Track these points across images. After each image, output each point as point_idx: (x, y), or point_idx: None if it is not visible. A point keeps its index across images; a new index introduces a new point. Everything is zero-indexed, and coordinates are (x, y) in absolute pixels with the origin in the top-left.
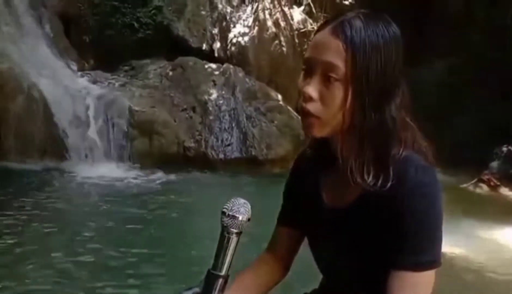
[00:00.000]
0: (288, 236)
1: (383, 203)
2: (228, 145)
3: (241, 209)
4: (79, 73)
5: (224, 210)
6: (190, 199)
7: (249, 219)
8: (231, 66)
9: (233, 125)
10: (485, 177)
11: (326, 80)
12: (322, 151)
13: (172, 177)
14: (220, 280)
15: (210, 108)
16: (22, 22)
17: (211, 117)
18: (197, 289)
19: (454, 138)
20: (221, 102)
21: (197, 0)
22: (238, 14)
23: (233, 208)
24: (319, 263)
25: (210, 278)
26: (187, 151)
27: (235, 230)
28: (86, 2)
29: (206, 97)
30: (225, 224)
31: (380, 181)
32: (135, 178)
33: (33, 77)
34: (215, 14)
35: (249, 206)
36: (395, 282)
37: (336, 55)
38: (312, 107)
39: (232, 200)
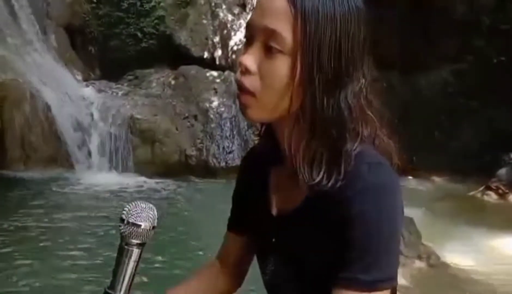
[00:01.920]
0: (236, 244)
1: (330, 207)
2: (230, 152)
3: (143, 214)
4: (84, 83)
5: (123, 216)
6: (192, 207)
7: (154, 227)
8: (232, 74)
9: (234, 132)
10: (493, 185)
11: (268, 50)
12: (271, 146)
13: (174, 185)
14: None
15: (212, 116)
16: (27, 33)
17: (212, 125)
18: None
19: (461, 144)
20: (222, 109)
21: (198, 9)
22: (239, 22)
23: (132, 214)
24: (264, 279)
25: None
26: (188, 159)
27: (136, 241)
28: (91, 13)
29: (207, 105)
30: (124, 234)
31: (331, 180)
32: (137, 186)
33: (37, 87)
34: (216, 23)
35: (155, 211)
36: None
37: (281, 21)
38: (248, 81)
39: (133, 203)
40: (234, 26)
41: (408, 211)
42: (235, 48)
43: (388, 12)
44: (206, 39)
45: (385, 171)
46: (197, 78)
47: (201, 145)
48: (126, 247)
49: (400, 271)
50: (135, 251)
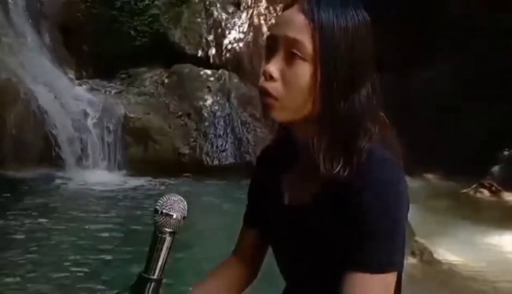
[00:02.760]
0: (253, 238)
1: (341, 199)
2: (223, 151)
3: (175, 206)
4: (77, 81)
5: (157, 207)
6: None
7: (184, 218)
8: (226, 72)
9: (228, 131)
10: (486, 182)
11: (290, 58)
12: (286, 144)
13: (168, 183)
14: (152, 284)
15: (205, 114)
16: (21, 32)
17: (206, 124)
18: None
19: (455, 142)
20: (216, 108)
21: (193, 7)
22: (233, 20)
23: (166, 205)
24: (280, 267)
25: (141, 282)
26: (182, 158)
27: (168, 230)
28: (84, 12)
29: (201, 103)
30: (158, 223)
31: (346, 172)
32: (130, 184)
33: (30, 86)
34: (211, 21)
35: (185, 203)
36: (347, 284)
37: (301, 31)
38: (271, 86)
39: (166, 196)
40: (228, 25)
41: None
42: (229, 46)
43: (384, 10)
44: (200, 37)
45: (391, 166)
46: (190, 76)
47: (195, 143)
48: (159, 235)
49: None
50: (168, 239)
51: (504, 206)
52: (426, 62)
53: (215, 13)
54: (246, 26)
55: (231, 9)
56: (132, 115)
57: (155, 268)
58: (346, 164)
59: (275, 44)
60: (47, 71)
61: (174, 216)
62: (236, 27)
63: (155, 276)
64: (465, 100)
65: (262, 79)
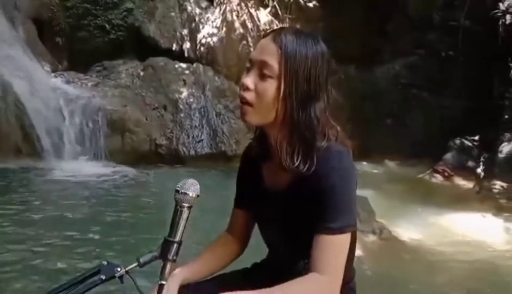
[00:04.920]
0: (242, 217)
1: (310, 183)
2: (199, 141)
3: (191, 187)
4: (53, 74)
5: (177, 188)
6: (163, 192)
7: (198, 196)
8: (201, 66)
9: (203, 122)
10: (440, 168)
11: (262, 75)
12: (262, 142)
13: (145, 173)
14: (175, 245)
15: (181, 106)
16: None
17: (182, 115)
18: (155, 253)
19: (412, 131)
20: (191, 100)
21: (167, 2)
22: (206, 15)
23: (184, 187)
24: (264, 238)
25: (167, 244)
26: (159, 148)
27: (186, 205)
28: (58, 5)
29: (176, 95)
30: (178, 200)
31: (306, 166)
32: (108, 175)
33: (7, 78)
34: (185, 16)
35: (198, 185)
36: (316, 244)
37: (272, 56)
38: (248, 95)
39: (183, 180)
40: (202, 20)
41: (363, 192)
42: (203, 41)
43: (346, 9)
44: (174, 31)
45: (345, 157)
46: (165, 69)
47: (171, 134)
48: (179, 209)
49: (357, 244)
50: (185, 212)
51: (456, 190)
52: (387, 59)
53: (189, 8)
54: (219, 21)
55: (204, 4)
56: (109, 107)
57: (176, 233)
58: (306, 159)
59: (253, 64)
60: (23, 63)
61: (190, 195)
62: (210, 22)
63: (177, 239)
64: (422, 92)
65: (240, 89)
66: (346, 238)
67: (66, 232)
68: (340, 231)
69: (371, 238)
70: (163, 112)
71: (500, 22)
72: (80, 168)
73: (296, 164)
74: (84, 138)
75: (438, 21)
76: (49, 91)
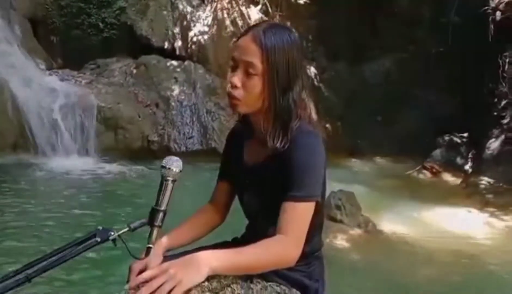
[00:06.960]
0: (223, 189)
1: (282, 158)
2: (190, 138)
3: (174, 163)
4: (48, 72)
5: (163, 164)
6: (156, 188)
7: (180, 171)
8: (192, 64)
9: (194, 119)
10: (428, 165)
11: (248, 74)
12: (245, 125)
13: (137, 169)
14: (161, 213)
15: (173, 104)
16: None
17: (173, 112)
18: (144, 220)
19: (402, 128)
20: (182, 98)
21: (159, 0)
22: (198, 13)
23: (168, 163)
24: (243, 209)
25: (153, 212)
26: (151, 145)
27: (170, 178)
28: (53, 4)
29: (168, 93)
30: (163, 174)
31: (282, 143)
32: (101, 171)
33: (3, 76)
34: (176, 14)
35: (181, 162)
36: (283, 210)
37: (254, 56)
38: (236, 92)
39: (168, 157)
40: (193, 18)
41: (352, 188)
42: (194, 39)
43: (335, 5)
44: (166, 30)
45: (313, 135)
46: (158, 67)
47: (163, 131)
48: (165, 182)
49: (342, 236)
50: (170, 184)
51: (443, 186)
52: (375, 55)
53: (180, 6)
54: (210, 19)
55: (195, 2)
56: (103, 104)
57: (162, 203)
58: (283, 138)
59: (237, 63)
60: (18, 61)
61: (174, 170)
62: (201, 20)
63: (162, 208)
64: (411, 89)
65: (228, 86)
66: (309, 206)
67: (57, 228)
68: (303, 199)
69: (357, 231)
70: (155, 109)
71: (490, 19)
72: (74, 164)
73: (277, 143)
74: (77, 135)
75: (428, 18)
76: (44, 89)
